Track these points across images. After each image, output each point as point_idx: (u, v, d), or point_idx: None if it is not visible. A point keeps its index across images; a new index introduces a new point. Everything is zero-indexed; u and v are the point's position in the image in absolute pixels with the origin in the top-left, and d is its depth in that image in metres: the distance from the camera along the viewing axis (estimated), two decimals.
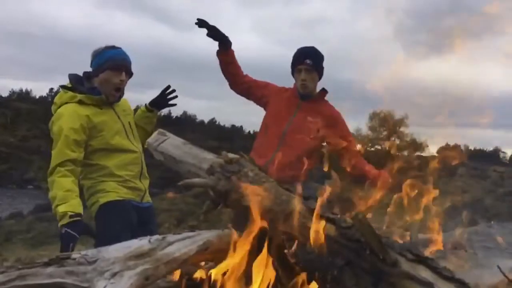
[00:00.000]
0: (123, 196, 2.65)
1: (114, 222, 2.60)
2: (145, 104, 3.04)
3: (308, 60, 3.00)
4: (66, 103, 2.66)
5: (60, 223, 2.45)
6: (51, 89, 68.00)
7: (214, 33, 3.01)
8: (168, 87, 2.96)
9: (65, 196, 2.47)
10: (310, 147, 2.93)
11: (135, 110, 3.08)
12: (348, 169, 2.66)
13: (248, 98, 3.24)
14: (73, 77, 2.74)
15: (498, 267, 2.22)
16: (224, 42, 3.04)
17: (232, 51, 3.10)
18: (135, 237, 2.38)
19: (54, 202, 2.48)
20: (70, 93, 2.67)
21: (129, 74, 2.74)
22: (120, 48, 2.74)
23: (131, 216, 2.67)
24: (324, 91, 3.13)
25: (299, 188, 1.77)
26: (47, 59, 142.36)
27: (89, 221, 2.68)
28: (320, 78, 3.11)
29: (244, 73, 3.18)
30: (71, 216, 2.42)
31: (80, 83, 2.71)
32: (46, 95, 69.10)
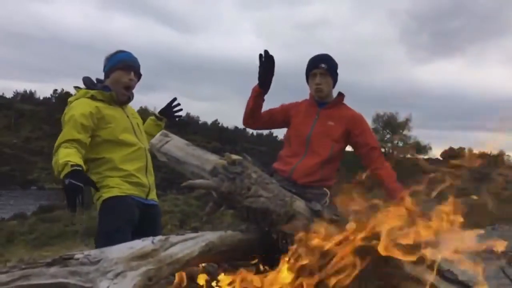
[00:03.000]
0: (126, 192, 2.70)
1: (115, 217, 2.64)
2: (154, 114, 3.26)
3: (323, 64, 3.00)
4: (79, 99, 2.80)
5: (62, 174, 2.41)
6: (55, 90, 68.33)
7: (268, 71, 2.86)
8: (174, 99, 3.24)
9: (67, 154, 2.49)
10: (334, 151, 2.95)
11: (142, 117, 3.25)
12: (368, 172, 2.67)
13: (272, 128, 3.26)
14: (86, 79, 2.92)
15: (503, 271, 2.21)
16: (267, 85, 2.93)
17: (264, 99, 3.03)
18: (136, 233, 2.41)
19: (56, 164, 2.47)
20: (83, 90, 2.83)
21: (138, 75, 2.92)
22: (129, 52, 2.95)
23: (132, 212, 2.70)
24: (341, 95, 3.12)
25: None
26: (50, 60, 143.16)
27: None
28: (334, 84, 3.10)
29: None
30: (72, 166, 2.42)
31: (93, 85, 2.88)
32: (50, 96, 69.43)
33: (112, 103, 2.84)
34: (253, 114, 3.04)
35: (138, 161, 2.81)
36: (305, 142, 2.98)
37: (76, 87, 2.89)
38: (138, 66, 2.93)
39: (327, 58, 3.07)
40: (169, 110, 3.22)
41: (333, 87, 3.10)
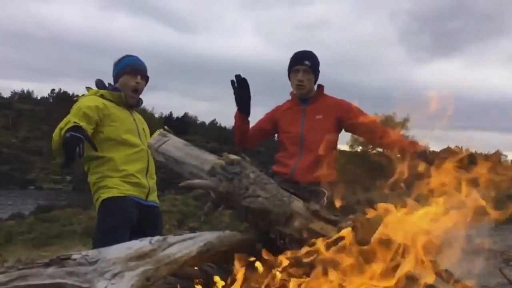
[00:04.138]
0: (125, 193, 2.71)
1: (113, 217, 2.65)
2: (164, 127, 3.28)
3: (306, 61, 3.00)
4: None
5: (63, 130, 2.42)
6: (53, 90, 68.16)
7: (244, 95, 2.86)
8: (185, 114, 3.30)
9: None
10: (329, 143, 2.96)
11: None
12: (377, 141, 2.80)
13: (266, 139, 3.26)
14: (98, 82, 3.00)
15: (500, 270, 2.21)
16: (247, 110, 2.94)
17: (249, 121, 3.03)
18: (136, 234, 2.41)
19: (56, 132, 2.48)
20: (93, 90, 2.91)
21: (145, 78, 2.98)
22: (136, 56, 3.01)
23: (131, 212, 2.71)
24: (321, 87, 3.13)
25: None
26: (50, 60, 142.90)
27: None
28: (315, 81, 3.11)
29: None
30: (75, 122, 2.47)
31: (104, 87, 2.96)
32: (47, 96, 69.21)
33: (121, 104, 2.89)
34: (243, 138, 3.06)
35: (140, 163, 2.82)
36: (299, 141, 2.98)
37: (88, 88, 2.97)
38: (145, 69, 2.98)
39: (310, 55, 3.07)
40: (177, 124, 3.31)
41: (314, 84, 3.11)
